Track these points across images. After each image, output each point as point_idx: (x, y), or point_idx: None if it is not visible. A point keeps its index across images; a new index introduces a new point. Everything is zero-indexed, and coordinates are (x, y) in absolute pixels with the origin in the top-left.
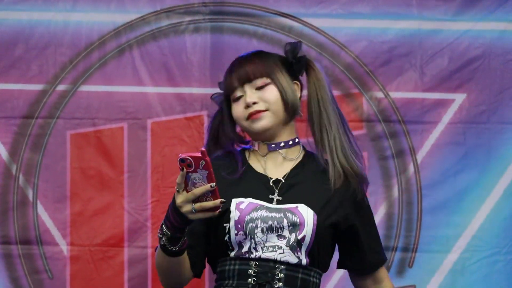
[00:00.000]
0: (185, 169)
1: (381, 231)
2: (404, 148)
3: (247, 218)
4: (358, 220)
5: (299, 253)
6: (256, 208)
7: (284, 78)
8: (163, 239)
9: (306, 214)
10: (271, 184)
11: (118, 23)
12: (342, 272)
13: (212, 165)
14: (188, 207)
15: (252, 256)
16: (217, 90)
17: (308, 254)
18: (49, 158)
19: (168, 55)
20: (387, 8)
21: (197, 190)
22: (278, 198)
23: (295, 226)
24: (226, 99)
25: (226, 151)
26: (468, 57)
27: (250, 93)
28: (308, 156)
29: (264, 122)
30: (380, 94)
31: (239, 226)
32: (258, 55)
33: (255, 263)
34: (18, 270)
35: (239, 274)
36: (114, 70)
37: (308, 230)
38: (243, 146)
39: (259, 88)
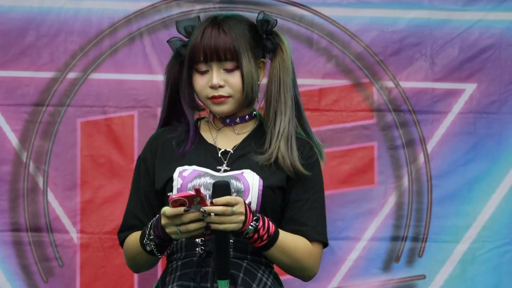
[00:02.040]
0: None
1: (391, 221)
2: (414, 138)
3: (189, 185)
4: (300, 192)
5: None
6: (200, 175)
7: (249, 64)
8: (151, 244)
9: (251, 180)
10: (219, 155)
11: (129, 11)
12: (351, 262)
13: (163, 140)
14: (173, 229)
15: None
16: None
17: None
18: (59, 145)
19: None
20: None
21: (186, 217)
22: (226, 168)
23: (239, 193)
24: (189, 62)
25: (182, 122)
26: (478, 47)
27: (217, 73)
28: (261, 125)
29: (226, 107)
30: (390, 84)
31: None
32: (232, 27)
33: None
34: (28, 258)
35: (187, 245)
36: (125, 58)
37: (253, 195)
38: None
39: (227, 70)
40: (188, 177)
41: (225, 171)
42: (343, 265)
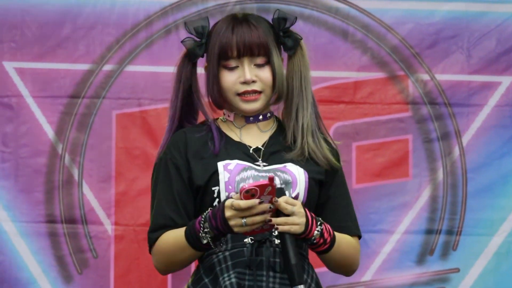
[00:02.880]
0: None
1: (425, 214)
2: (450, 131)
3: (237, 178)
4: (337, 188)
5: None
6: (245, 168)
7: (277, 60)
8: (208, 237)
9: (297, 172)
10: (251, 152)
11: (165, 3)
12: (385, 255)
13: (190, 139)
14: (238, 221)
15: None
16: None
17: None
18: (94, 137)
19: None
20: None
21: (258, 208)
22: (264, 163)
23: (287, 184)
24: (218, 59)
25: (199, 122)
26: None
27: (249, 69)
28: (282, 127)
29: (257, 105)
30: (426, 77)
31: (230, 187)
32: (259, 23)
33: None
34: (63, 249)
35: (233, 237)
36: (161, 51)
37: (300, 187)
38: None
39: (258, 65)
40: (234, 170)
41: (264, 166)
42: (377, 258)
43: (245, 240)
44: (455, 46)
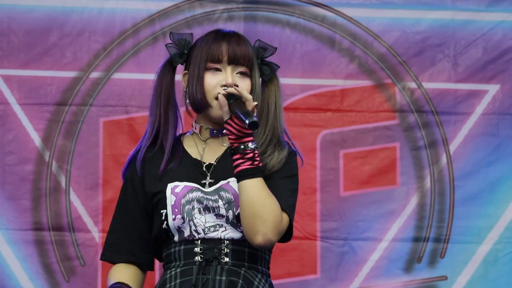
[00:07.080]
0: None
1: (413, 222)
2: (437, 139)
3: (183, 201)
4: (276, 176)
5: (241, 227)
6: (191, 190)
7: (257, 78)
8: None
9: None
10: (204, 169)
11: (152, 11)
12: (372, 263)
13: (147, 156)
14: None
15: (196, 238)
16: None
17: None
18: (82, 145)
19: None
20: None
21: None
22: (210, 181)
23: (230, 203)
24: (205, 62)
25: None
26: (502, 48)
27: (231, 75)
28: None
29: None
30: (413, 85)
31: (176, 210)
32: (247, 42)
33: (200, 241)
34: (50, 257)
35: (185, 254)
36: (148, 58)
37: None
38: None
39: (241, 73)
40: (180, 193)
41: (209, 183)
42: (365, 266)
43: (196, 258)
44: (442, 54)
